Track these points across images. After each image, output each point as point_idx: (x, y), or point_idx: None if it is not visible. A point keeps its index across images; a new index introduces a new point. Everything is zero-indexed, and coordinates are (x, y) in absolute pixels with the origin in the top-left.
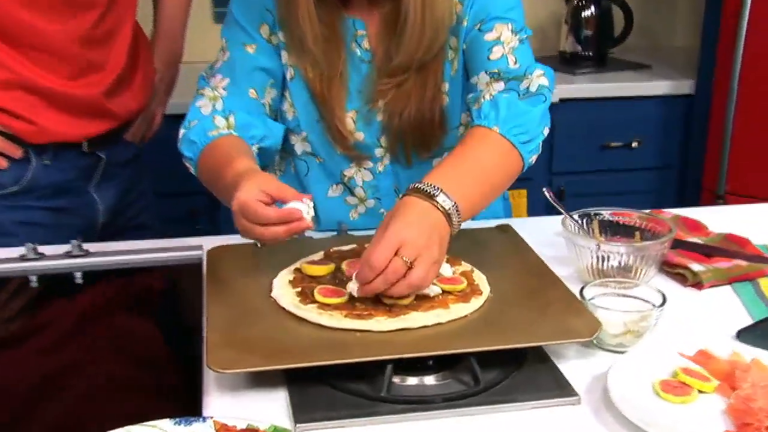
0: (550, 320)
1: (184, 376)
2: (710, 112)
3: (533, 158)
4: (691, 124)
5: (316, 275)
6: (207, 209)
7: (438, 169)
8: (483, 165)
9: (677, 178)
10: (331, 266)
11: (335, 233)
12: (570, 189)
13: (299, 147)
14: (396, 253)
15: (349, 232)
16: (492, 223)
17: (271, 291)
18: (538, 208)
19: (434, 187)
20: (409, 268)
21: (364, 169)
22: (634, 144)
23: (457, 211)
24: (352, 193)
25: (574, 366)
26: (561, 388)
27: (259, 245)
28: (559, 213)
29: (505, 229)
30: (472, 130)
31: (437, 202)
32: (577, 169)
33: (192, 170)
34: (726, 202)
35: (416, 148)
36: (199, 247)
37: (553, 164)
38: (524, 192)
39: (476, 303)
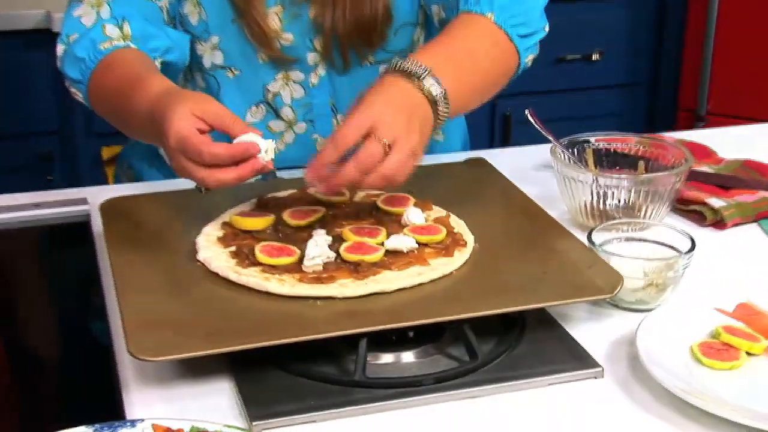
0: (555, 274)
1: (81, 370)
2: (687, 15)
3: (530, 58)
4: (662, 32)
5: (252, 229)
6: (63, 154)
7: (424, 49)
8: (475, 55)
9: (646, 97)
10: (270, 218)
11: (259, 178)
12: (518, 114)
13: (208, 58)
14: (368, 135)
15: (279, 175)
16: (455, 156)
17: (196, 253)
18: (479, 140)
19: (422, 67)
20: (385, 154)
21: (294, 82)
22: (595, 56)
23: (445, 99)
24: (278, 115)
25: (587, 331)
26: (578, 358)
27: (202, 191)
28: (520, 142)
29: (479, 163)
30: (461, 16)
31: (423, 86)
32: (526, 88)
33: (81, 97)
34: (708, 124)
35: (355, 47)
36: (83, 201)
37: None
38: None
39: (461, 256)
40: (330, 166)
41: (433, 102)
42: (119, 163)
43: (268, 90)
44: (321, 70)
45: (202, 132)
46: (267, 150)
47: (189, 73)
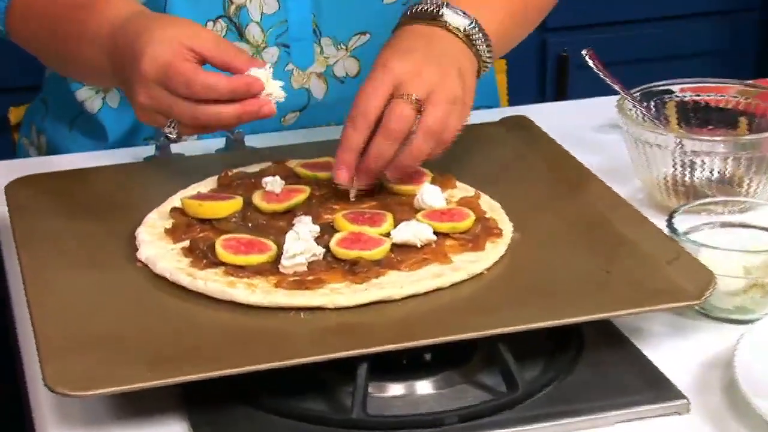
0: (623, 273)
1: None
2: None
3: None
4: None
5: (211, 217)
6: None
7: None
8: None
9: (755, 30)
10: (236, 201)
11: (223, 148)
12: (577, 55)
13: None
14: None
15: (249, 144)
16: (487, 114)
17: (136, 250)
18: (525, 91)
19: (436, 2)
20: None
21: None
22: None
23: (479, 30)
24: (242, 37)
25: (668, 350)
26: (656, 387)
27: (175, 139)
28: (579, 94)
29: (520, 124)
30: None
31: (446, 22)
32: (586, 19)
33: None
34: None
35: None
36: None
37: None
38: (503, 63)
39: (494, 251)
40: (357, 153)
41: (466, 37)
42: (24, 127)
43: (230, 1)
44: None
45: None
46: (274, 89)
47: None
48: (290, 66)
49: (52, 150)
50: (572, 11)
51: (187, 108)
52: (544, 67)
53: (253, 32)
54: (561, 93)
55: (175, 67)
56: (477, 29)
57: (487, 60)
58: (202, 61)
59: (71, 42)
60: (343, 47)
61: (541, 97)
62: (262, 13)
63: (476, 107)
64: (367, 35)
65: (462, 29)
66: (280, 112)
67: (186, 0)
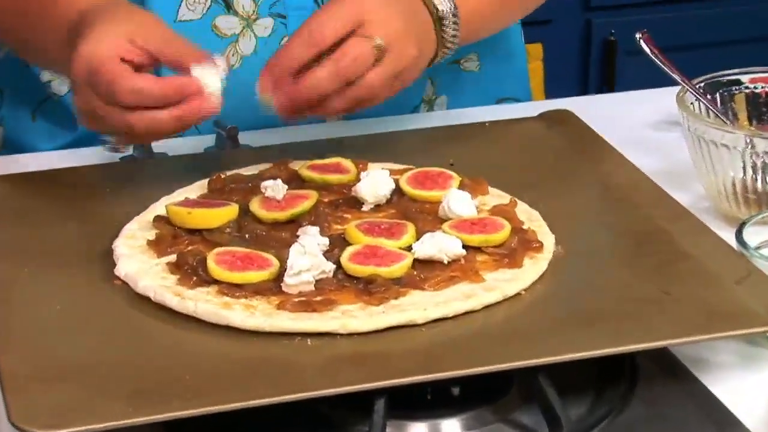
0: (684, 294)
1: None
2: None
3: None
4: None
5: (202, 227)
6: None
7: None
8: None
9: None
10: (231, 208)
11: (213, 146)
12: (627, 39)
13: None
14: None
15: (243, 142)
16: (524, 108)
17: (113, 266)
18: (565, 81)
19: None
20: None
21: None
22: None
23: (454, 18)
24: (230, 8)
25: (736, 383)
26: (722, 426)
27: (116, 148)
28: (630, 84)
29: (562, 119)
30: None
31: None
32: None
33: None
34: None
35: None
36: None
37: None
38: (539, 48)
39: (534, 268)
40: (293, 70)
41: (438, 20)
42: None
43: None
44: None
45: (138, 67)
46: (216, 82)
47: None
48: (287, 39)
49: (12, 145)
50: None
51: (118, 115)
52: (587, 53)
53: (243, 1)
54: (607, 83)
55: (101, 68)
56: (453, 16)
57: (448, 49)
58: (152, 60)
59: (38, 36)
60: None
61: (584, 89)
62: None
63: (502, 99)
64: None
65: (440, 10)
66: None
67: None
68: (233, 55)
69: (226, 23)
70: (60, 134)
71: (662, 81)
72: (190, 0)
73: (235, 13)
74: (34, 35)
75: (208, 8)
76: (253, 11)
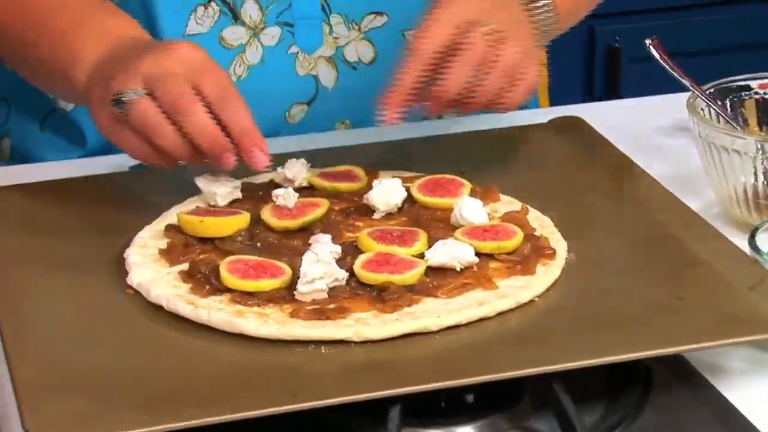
0: (697, 300)
1: None
2: None
3: None
4: None
5: (214, 236)
6: None
7: None
8: None
9: None
10: (242, 216)
11: None
12: (632, 46)
13: None
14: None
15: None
16: (534, 114)
17: (125, 275)
18: (569, 88)
19: None
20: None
21: None
22: None
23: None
24: (236, 18)
25: (750, 390)
26: None
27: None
28: (635, 91)
29: (572, 125)
30: None
31: None
32: (641, 5)
33: None
34: None
35: None
36: None
37: None
38: (543, 55)
39: (547, 275)
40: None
41: (528, 2)
42: None
43: None
44: None
45: None
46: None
47: None
48: (294, 49)
49: (20, 156)
50: None
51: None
52: (591, 60)
53: (250, 11)
54: (611, 90)
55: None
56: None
57: (547, 34)
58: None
59: (47, 48)
60: (356, 27)
61: (589, 95)
62: None
63: None
64: (384, 17)
65: None
66: (284, 104)
67: None
68: (240, 65)
69: (233, 34)
70: (68, 148)
71: (666, 87)
72: (198, 13)
73: (242, 24)
74: (47, 51)
75: (216, 20)
76: (260, 21)
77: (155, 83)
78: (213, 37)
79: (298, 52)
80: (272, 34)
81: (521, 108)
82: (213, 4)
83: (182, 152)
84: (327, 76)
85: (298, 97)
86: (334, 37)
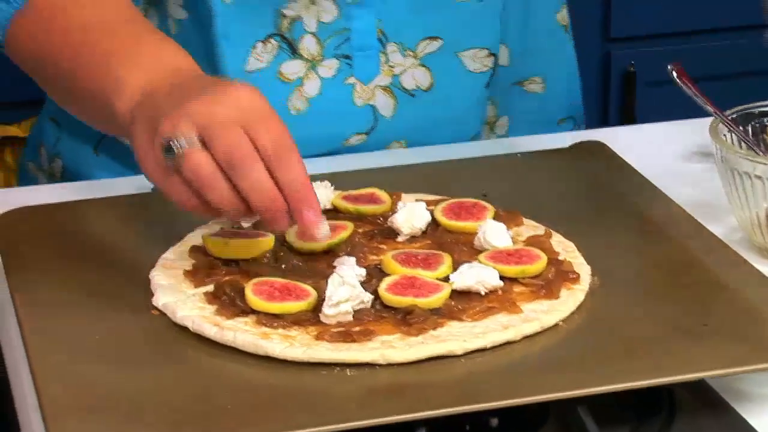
0: (721, 326)
1: None
2: None
3: None
4: None
5: (238, 258)
6: None
7: None
8: None
9: None
10: (267, 239)
11: None
12: (648, 70)
13: None
14: None
15: None
16: (555, 139)
17: (151, 296)
18: (587, 110)
19: None
20: None
21: None
22: None
23: None
24: (295, 52)
25: None
26: None
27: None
28: (652, 117)
29: (594, 150)
30: None
31: None
32: (656, 30)
33: None
34: None
35: None
36: None
37: (611, 23)
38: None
39: (571, 299)
40: None
41: None
42: (29, 150)
43: (282, 15)
44: None
45: None
46: None
47: None
48: (351, 80)
49: (71, 177)
50: (640, 19)
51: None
52: (607, 85)
53: (308, 45)
54: (626, 115)
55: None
56: None
57: None
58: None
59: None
60: (411, 53)
61: (604, 120)
62: (319, 22)
63: (563, 119)
64: (439, 41)
65: None
66: (343, 134)
67: (235, 19)
68: (298, 98)
69: (291, 68)
70: (124, 172)
71: (682, 112)
72: (258, 49)
73: (300, 57)
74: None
75: (275, 55)
76: (318, 54)
77: (209, 131)
78: (272, 71)
79: (355, 83)
80: (330, 66)
81: (572, 120)
82: (272, 39)
83: (235, 209)
84: (385, 105)
85: (357, 128)
86: (390, 65)
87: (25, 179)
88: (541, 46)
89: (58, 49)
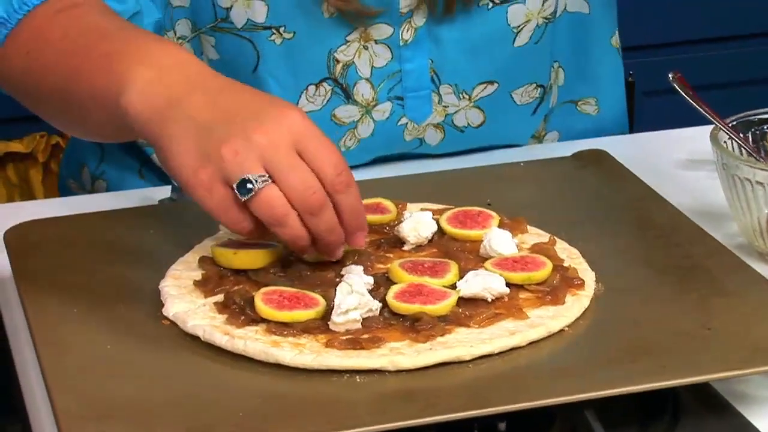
0: (724, 329)
1: None
2: None
3: None
4: None
5: (248, 268)
6: None
7: None
8: None
9: None
10: (275, 249)
11: None
12: (647, 79)
13: (240, 12)
14: None
15: None
16: (558, 148)
17: (161, 306)
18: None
19: None
20: None
21: (376, 43)
22: None
23: None
24: (349, 97)
25: None
26: None
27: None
28: (652, 125)
29: (597, 158)
30: None
31: None
32: (662, 37)
33: None
34: None
35: None
36: None
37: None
38: None
39: (576, 305)
40: None
41: None
42: (68, 167)
43: (335, 60)
44: (418, 20)
45: None
46: None
47: (204, 35)
48: (404, 120)
49: None
50: (638, 28)
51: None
52: None
53: (362, 90)
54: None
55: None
56: None
57: None
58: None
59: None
60: (466, 96)
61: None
62: (372, 67)
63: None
64: (495, 85)
65: None
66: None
67: (285, 63)
68: (350, 139)
69: (345, 112)
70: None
71: (680, 121)
72: (309, 92)
73: (355, 103)
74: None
75: (328, 100)
76: (373, 98)
77: (277, 166)
78: (325, 115)
79: (407, 123)
80: (384, 110)
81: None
82: (324, 84)
83: (303, 246)
84: (433, 138)
85: (400, 152)
86: (444, 106)
87: (63, 194)
88: (595, 69)
89: (53, 59)
